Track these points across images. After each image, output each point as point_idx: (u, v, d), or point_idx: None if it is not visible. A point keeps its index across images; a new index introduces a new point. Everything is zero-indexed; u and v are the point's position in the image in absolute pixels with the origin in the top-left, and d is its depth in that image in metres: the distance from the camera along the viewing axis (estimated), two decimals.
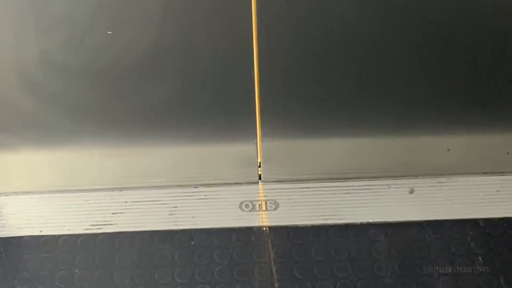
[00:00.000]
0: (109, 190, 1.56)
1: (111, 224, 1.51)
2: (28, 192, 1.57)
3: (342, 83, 1.38)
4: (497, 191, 1.54)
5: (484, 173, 1.57)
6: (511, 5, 1.25)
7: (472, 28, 1.29)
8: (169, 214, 1.52)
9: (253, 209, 1.52)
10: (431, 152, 1.53)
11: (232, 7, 1.23)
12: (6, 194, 1.57)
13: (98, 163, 1.53)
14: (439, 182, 1.55)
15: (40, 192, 1.56)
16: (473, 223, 1.48)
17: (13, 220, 1.52)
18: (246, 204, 1.53)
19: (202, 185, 1.56)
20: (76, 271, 1.43)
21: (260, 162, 1.54)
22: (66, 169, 1.54)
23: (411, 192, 1.54)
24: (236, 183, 1.56)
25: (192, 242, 1.47)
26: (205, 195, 1.55)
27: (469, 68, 1.36)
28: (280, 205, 1.53)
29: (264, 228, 1.48)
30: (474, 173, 1.56)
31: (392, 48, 1.32)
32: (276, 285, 1.40)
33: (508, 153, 1.54)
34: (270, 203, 1.53)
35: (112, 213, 1.53)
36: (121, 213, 1.53)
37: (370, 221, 1.49)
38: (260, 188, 1.56)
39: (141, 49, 1.29)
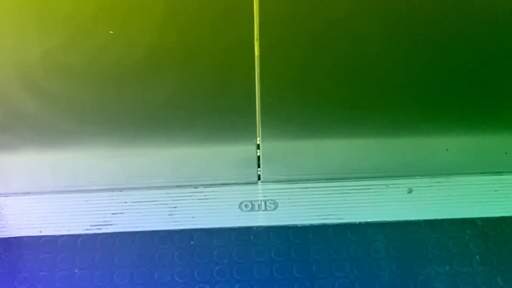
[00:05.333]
0: (109, 190, 1.56)
1: (111, 224, 1.51)
2: (28, 193, 1.57)
3: (341, 84, 1.39)
4: (495, 190, 1.54)
5: (482, 173, 1.57)
6: (510, 8, 1.26)
7: (470, 29, 1.30)
8: (169, 214, 1.52)
9: (252, 209, 1.53)
10: (429, 152, 1.54)
11: (234, 9, 1.24)
12: (6, 194, 1.57)
13: (98, 164, 1.53)
14: (437, 182, 1.56)
15: (40, 193, 1.56)
16: (471, 222, 1.48)
17: (13, 220, 1.52)
18: (245, 204, 1.53)
19: (202, 185, 1.57)
20: (76, 271, 1.43)
21: (259, 163, 1.55)
22: (66, 170, 1.54)
23: (410, 192, 1.55)
24: (235, 183, 1.56)
25: (192, 242, 1.47)
26: (205, 195, 1.55)
27: (467, 69, 1.37)
28: (279, 205, 1.53)
29: (263, 228, 1.49)
30: (472, 173, 1.57)
31: (391, 49, 1.33)
32: (276, 284, 1.40)
33: (506, 153, 1.55)
34: (270, 203, 1.53)
35: (112, 214, 1.53)
36: (121, 213, 1.53)
37: (369, 220, 1.49)
38: (260, 188, 1.56)
39: (142, 49, 1.30)
